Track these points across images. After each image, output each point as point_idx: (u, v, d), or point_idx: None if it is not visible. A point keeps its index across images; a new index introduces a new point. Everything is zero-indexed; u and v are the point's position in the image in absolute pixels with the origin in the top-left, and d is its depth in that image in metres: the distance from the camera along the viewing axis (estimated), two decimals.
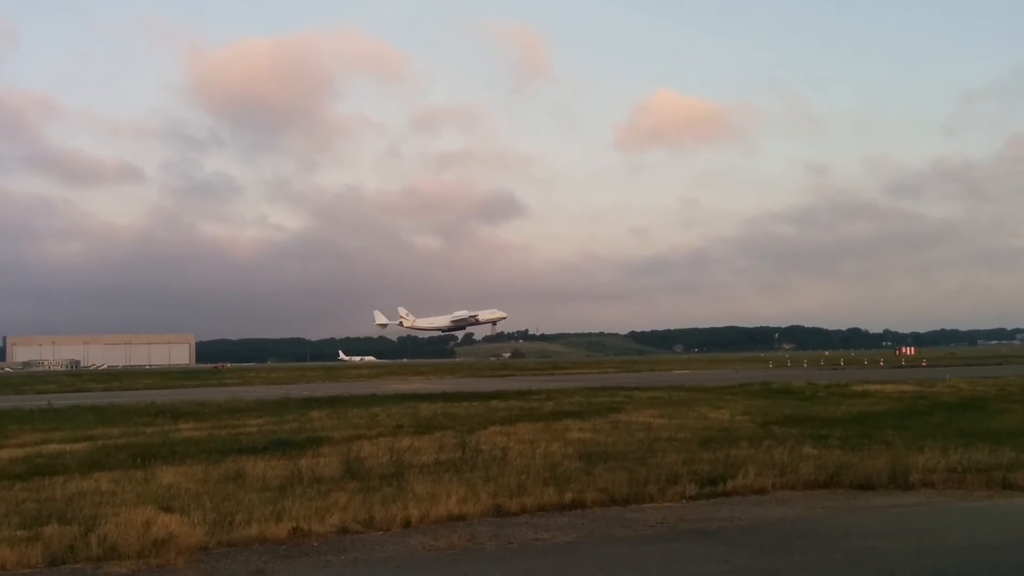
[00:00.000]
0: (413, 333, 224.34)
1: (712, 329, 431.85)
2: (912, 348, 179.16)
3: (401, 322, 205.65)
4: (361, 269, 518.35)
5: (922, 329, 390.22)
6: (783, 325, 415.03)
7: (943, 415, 30.04)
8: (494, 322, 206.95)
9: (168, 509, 13.97)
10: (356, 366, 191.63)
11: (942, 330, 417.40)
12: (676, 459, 18.94)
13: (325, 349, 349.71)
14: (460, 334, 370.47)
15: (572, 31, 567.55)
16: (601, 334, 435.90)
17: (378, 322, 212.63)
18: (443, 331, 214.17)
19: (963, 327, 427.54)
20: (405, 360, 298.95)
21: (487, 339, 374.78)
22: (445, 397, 45.08)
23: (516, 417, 31.37)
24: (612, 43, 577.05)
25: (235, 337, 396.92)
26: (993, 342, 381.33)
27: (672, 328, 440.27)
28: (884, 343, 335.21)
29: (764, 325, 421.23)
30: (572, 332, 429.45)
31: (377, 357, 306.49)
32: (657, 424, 28.13)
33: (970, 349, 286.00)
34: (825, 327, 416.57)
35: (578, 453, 20.40)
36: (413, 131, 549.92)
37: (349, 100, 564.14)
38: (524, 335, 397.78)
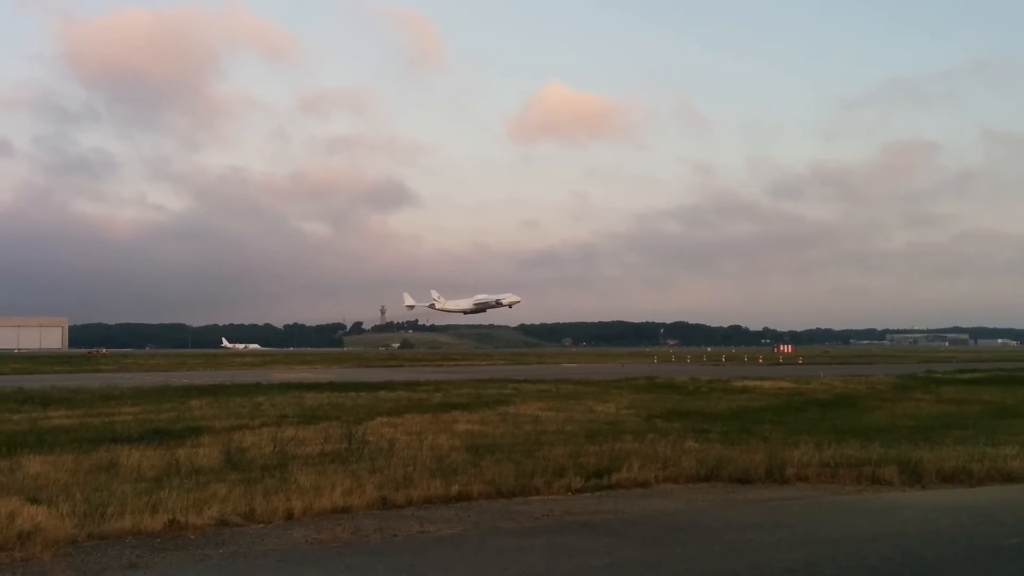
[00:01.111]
0: (439, 315, 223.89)
1: (600, 323, 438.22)
2: (789, 346, 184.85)
3: (433, 304, 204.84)
4: (246, 254, 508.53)
5: (799, 328, 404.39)
6: (668, 321, 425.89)
7: (817, 411, 31.15)
8: (510, 305, 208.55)
9: (35, 500, 13.29)
10: (240, 354, 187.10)
11: (818, 329, 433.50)
12: (563, 452, 19.08)
13: (207, 336, 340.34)
14: (349, 324, 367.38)
15: (466, 19, 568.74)
16: (491, 326, 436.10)
17: (407, 304, 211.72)
18: (465, 313, 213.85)
19: (837, 327, 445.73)
20: (291, 349, 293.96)
21: (376, 328, 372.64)
22: (332, 387, 44.42)
23: (404, 408, 31.14)
24: (505, 33, 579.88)
25: (111, 321, 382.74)
26: (865, 342, 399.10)
27: (561, 322, 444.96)
28: (763, 341, 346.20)
29: (650, 321, 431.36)
30: (462, 323, 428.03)
31: (262, 345, 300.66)
32: (545, 417, 28.33)
33: (843, 348, 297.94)
34: (708, 324, 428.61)
35: (465, 445, 20.36)
36: (301, 113, 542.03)
37: (234, 78, 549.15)
38: (414, 325, 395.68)
